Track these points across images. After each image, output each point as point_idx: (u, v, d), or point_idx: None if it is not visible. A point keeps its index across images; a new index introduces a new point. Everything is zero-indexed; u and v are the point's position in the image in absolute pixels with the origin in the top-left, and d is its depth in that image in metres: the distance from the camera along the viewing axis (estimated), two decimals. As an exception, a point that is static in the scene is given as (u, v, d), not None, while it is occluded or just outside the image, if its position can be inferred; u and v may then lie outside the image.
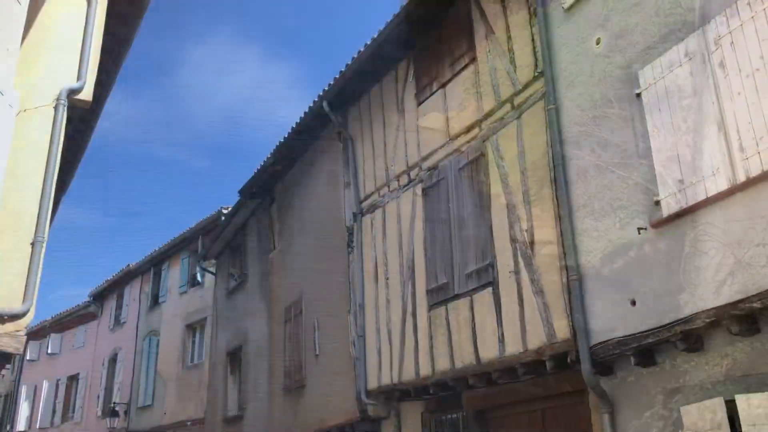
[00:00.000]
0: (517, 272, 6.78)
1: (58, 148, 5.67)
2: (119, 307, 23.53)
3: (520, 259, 6.78)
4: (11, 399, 26.93)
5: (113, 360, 22.90)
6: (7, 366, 8.68)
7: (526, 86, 7.07)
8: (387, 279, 9.11)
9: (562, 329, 6.15)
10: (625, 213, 5.69)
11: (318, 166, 11.50)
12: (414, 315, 8.38)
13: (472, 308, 7.33)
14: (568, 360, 6.12)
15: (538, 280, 6.52)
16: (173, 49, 50.91)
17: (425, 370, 7.99)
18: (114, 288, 23.95)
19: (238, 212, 14.81)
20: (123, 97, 50.33)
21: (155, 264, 21.20)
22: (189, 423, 16.93)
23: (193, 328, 18.69)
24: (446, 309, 7.75)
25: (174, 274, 20.01)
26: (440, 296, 7.92)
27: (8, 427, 25.52)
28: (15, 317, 5.78)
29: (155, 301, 20.89)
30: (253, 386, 13.37)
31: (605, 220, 5.86)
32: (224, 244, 16.28)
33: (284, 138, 11.54)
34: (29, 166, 5.55)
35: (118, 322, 23.23)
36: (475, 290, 7.35)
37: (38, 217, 5.50)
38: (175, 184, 50.77)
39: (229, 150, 52.53)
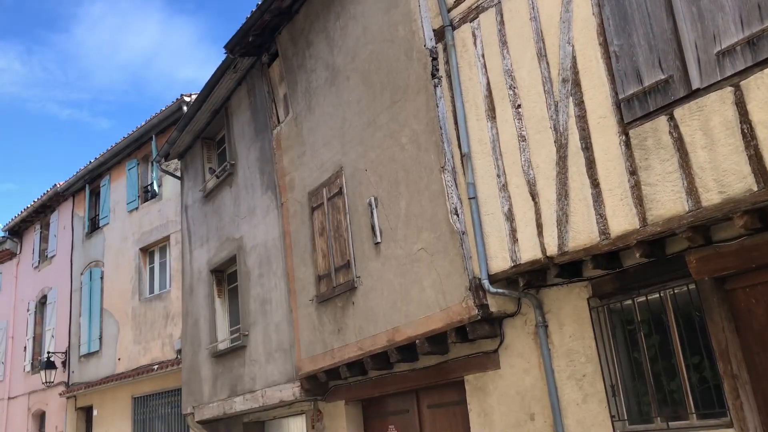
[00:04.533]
0: None
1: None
2: (45, 239, 19.36)
3: None
4: None
5: (41, 303, 18.86)
6: None
7: None
8: (518, 107, 6.02)
9: None
10: None
11: (359, -18, 8.11)
12: (587, 146, 5.37)
13: (739, 104, 4.38)
14: None
15: None
16: (71, 5, 45.50)
17: (622, 224, 5.04)
18: (35, 217, 19.67)
19: (215, 88, 11.17)
20: (15, 55, 45.10)
21: (90, 180, 17.16)
22: (155, 367, 13.48)
23: (149, 251, 15.02)
24: (670, 119, 4.78)
25: (118, 189, 16.13)
26: (653, 102, 4.92)
27: None
28: None
29: (94, 225, 16.97)
30: (260, 305, 10.10)
31: None
32: (193, 137, 12.61)
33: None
34: None
35: (44, 257, 19.10)
36: (746, 73, 4.39)
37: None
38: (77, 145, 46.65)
39: (132, 109, 48.65)
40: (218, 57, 50.91)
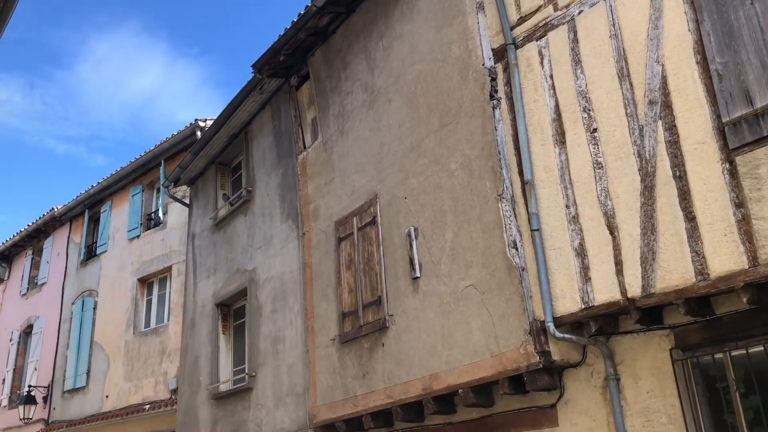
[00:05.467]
0: None
1: None
2: (36, 265, 18.47)
3: None
4: None
5: (26, 333, 17.85)
6: None
7: None
8: (593, 131, 5.43)
9: None
10: None
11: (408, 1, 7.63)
12: (679, 175, 4.75)
13: None
14: None
15: None
16: (77, 43, 46.02)
17: (725, 263, 4.39)
18: (27, 242, 18.82)
19: (236, 111, 10.61)
20: (17, 88, 45.31)
21: (91, 206, 16.41)
22: (147, 407, 12.49)
23: (148, 281, 14.18)
24: (791, 143, 4.19)
25: (120, 216, 15.38)
26: (767, 125, 4.34)
27: None
28: None
29: (90, 252, 16.14)
30: (271, 344, 9.28)
31: None
32: (207, 162, 11.98)
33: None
34: None
35: (33, 284, 18.17)
36: None
37: None
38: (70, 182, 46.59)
39: (129, 147, 48.74)
40: (219, 101, 50.94)
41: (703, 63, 4.77)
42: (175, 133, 13.83)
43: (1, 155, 45.43)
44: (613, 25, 5.43)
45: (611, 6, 5.47)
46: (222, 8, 44.81)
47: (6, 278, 19.57)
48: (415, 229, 6.99)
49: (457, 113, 6.65)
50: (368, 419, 7.33)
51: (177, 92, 51.41)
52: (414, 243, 6.96)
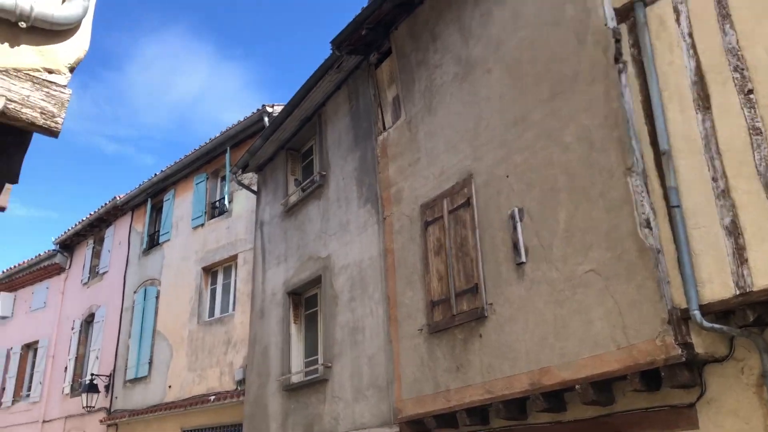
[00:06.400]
0: None
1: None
2: (97, 254, 18.46)
3: None
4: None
5: (88, 322, 17.82)
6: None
7: None
8: (748, 92, 4.74)
9: None
10: None
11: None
12: None
13: None
14: None
15: None
16: (127, 45, 46.78)
17: None
18: (89, 232, 18.83)
19: (311, 91, 10.16)
20: (72, 88, 46.31)
21: (154, 194, 16.26)
22: (212, 398, 12.16)
23: (212, 271, 13.89)
24: None
25: (183, 205, 15.15)
26: None
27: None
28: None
29: (153, 241, 15.98)
30: (349, 334, 8.79)
31: None
32: (276, 147, 11.58)
33: None
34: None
35: (95, 273, 18.14)
36: None
37: None
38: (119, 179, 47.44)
39: (176, 147, 49.43)
40: (260, 101, 51.41)
41: None
42: (242, 120, 13.49)
43: (54, 155, 46.48)
44: (773, -29, 4.73)
45: (770, -50, 4.77)
46: (266, 11, 44.88)
47: (68, 267, 19.65)
48: (520, 210, 6.38)
49: (573, 80, 6.02)
50: (463, 415, 6.75)
51: (222, 93, 51.81)
52: (519, 225, 6.35)
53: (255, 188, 12.47)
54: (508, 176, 6.61)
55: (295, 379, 9.84)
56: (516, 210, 6.42)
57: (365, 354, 8.38)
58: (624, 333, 5.21)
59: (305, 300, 10.45)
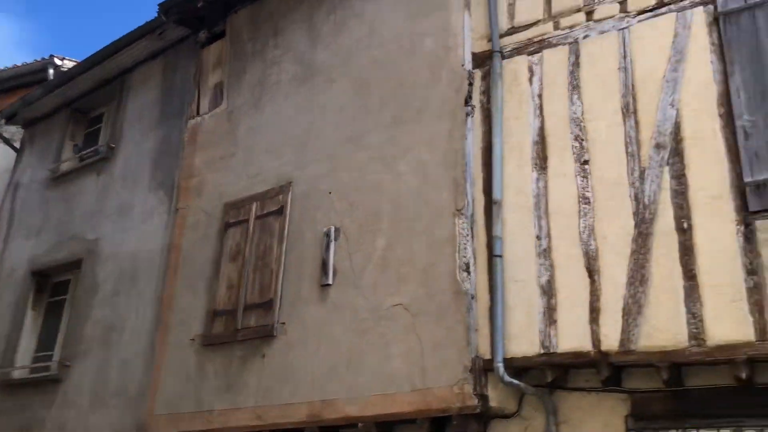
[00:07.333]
0: None
1: None
2: None
3: None
4: None
5: None
6: None
7: None
8: (584, 162, 4.93)
9: None
10: None
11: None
12: (682, 228, 4.36)
13: None
14: None
15: None
16: None
17: (727, 332, 4.00)
18: None
19: (121, 51, 8.92)
20: None
21: None
22: None
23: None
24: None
25: None
26: (793, 194, 4.10)
27: None
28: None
29: None
30: (102, 331, 7.57)
31: None
32: (60, 103, 9.95)
33: None
34: None
35: None
36: None
37: None
38: None
39: None
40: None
41: (727, 117, 4.48)
42: (19, 65, 11.52)
43: None
44: (624, 57, 5.04)
45: (625, 38, 5.09)
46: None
47: None
48: (337, 230, 6.00)
49: (420, 112, 5.87)
50: (223, 442, 6.04)
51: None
52: (332, 245, 5.96)
53: (18, 145, 10.58)
54: (330, 192, 6.22)
55: (18, 374, 8.24)
56: (333, 228, 6.02)
57: (119, 357, 7.25)
58: (422, 374, 5.01)
59: (53, 284, 8.91)
